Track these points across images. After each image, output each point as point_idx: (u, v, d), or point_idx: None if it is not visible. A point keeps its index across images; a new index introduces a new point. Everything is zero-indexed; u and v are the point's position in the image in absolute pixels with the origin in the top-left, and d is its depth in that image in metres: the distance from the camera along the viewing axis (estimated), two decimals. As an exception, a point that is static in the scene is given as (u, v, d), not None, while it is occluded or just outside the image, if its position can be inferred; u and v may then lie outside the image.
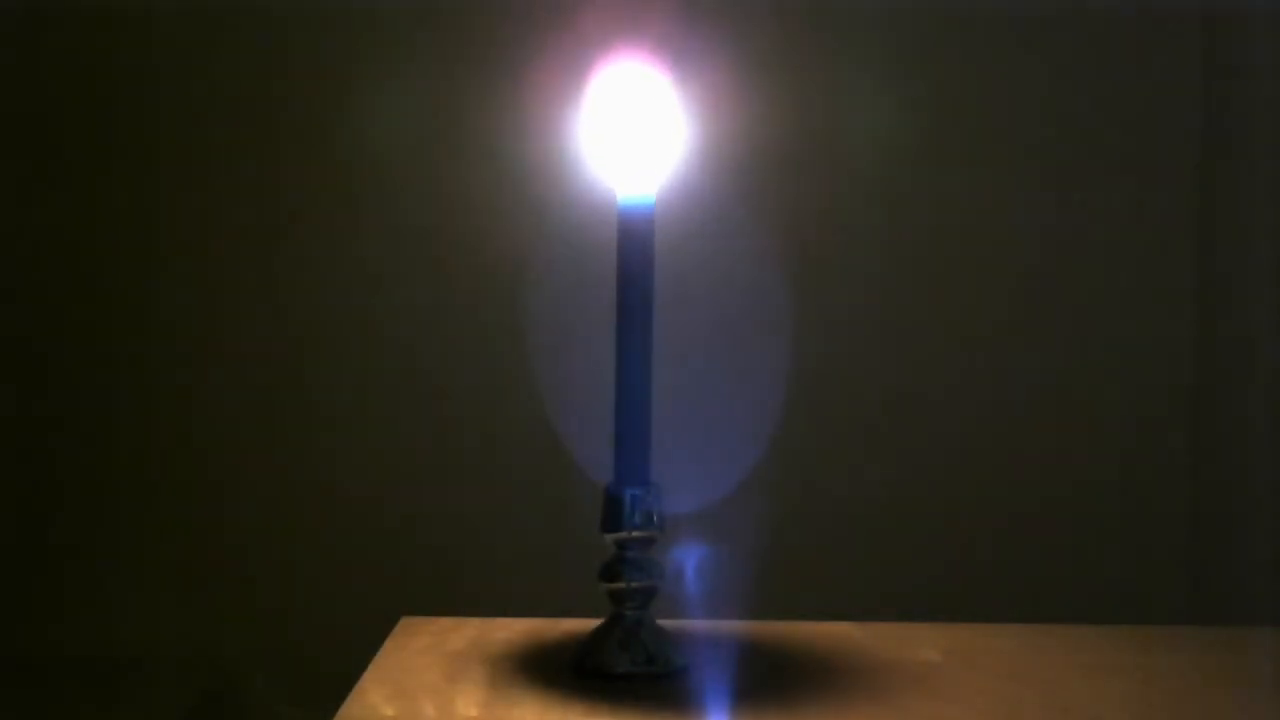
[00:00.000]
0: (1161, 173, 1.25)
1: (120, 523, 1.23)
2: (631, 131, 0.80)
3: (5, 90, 1.21)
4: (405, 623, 0.93)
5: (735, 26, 1.22)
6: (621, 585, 0.81)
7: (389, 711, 0.75)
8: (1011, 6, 1.23)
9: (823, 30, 1.23)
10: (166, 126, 1.22)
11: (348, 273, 1.23)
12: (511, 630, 0.91)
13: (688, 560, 1.07)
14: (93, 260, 1.22)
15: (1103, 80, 1.24)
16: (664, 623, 0.84)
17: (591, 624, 0.84)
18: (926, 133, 1.24)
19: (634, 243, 0.79)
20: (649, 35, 1.20)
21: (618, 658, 0.81)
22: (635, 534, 0.81)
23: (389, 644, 0.88)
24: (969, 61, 1.24)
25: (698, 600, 1.16)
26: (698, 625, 0.90)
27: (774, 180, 1.23)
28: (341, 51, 1.22)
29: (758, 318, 1.23)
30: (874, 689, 0.80)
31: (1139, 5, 1.24)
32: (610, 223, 0.80)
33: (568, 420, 1.20)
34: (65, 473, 1.23)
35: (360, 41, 1.22)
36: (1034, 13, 1.23)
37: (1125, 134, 1.25)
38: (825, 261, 1.24)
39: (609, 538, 0.81)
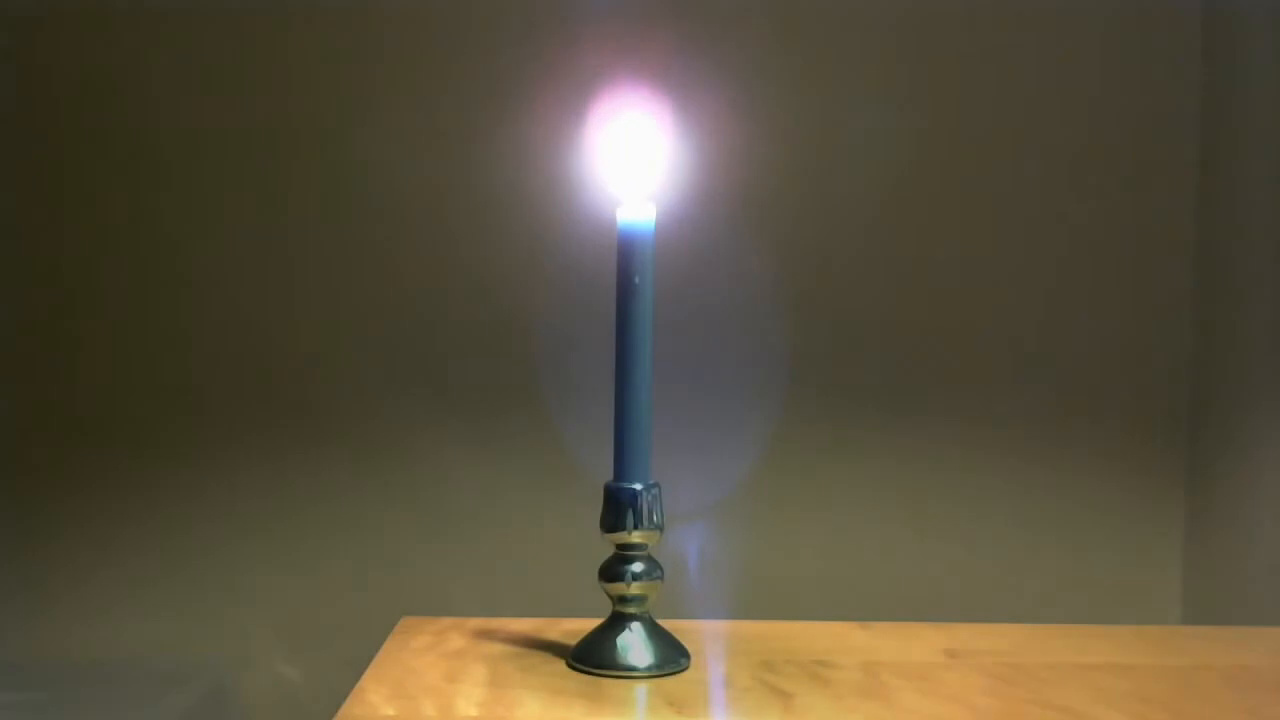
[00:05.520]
0: (1161, 173, 1.25)
1: (119, 523, 1.23)
2: (631, 154, 0.81)
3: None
4: (405, 623, 0.93)
5: (732, 49, 1.22)
6: (621, 585, 0.81)
7: (389, 711, 0.75)
8: (1010, 7, 1.23)
9: (818, 38, 1.23)
10: (169, 142, 1.22)
11: (349, 272, 1.23)
12: (511, 630, 0.91)
13: (690, 547, 1.07)
14: (92, 258, 1.22)
15: (1102, 80, 1.24)
16: (664, 623, 0.84)
17: (591, 624, 0.84)
18: (924, 137, 1.24)
19: (633, 260, 0.80)
20: (649, 60, 1.21)
21: (618, 658, 0.81)
22: (635, 534, 0.81)
23: (389, 644, 0.88)
24: (967, 64, 1.24)
25: (698, 594, 1.16)
26: (698, 625, 0.91)
27: (773, 188, 1.23)
28: (350, 76, 1.22)
29: (757, 319, 1.23)
30: (874, 689, 0.80)
31: (1139, 5, 1.24)
32: (613, 224, 0.80)
33: (569, 420, 1.20)
34: (63, 473, 1.23)
35: (367, 66, 1.22)
36: (1032, 13, 1.23)
37: (1125, 134, 1.25)
38: (824, 264, 1.24)
39: (609, 538, 0.82)
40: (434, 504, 1.23)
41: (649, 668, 0.81)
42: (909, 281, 1.24)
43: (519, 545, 1.23)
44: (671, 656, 0.82)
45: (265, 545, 1.23)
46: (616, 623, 0.82)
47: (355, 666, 0.84)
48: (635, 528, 0.80)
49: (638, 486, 0.80)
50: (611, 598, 0.82)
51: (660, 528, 0.81)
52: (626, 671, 0.81)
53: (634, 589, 0.81)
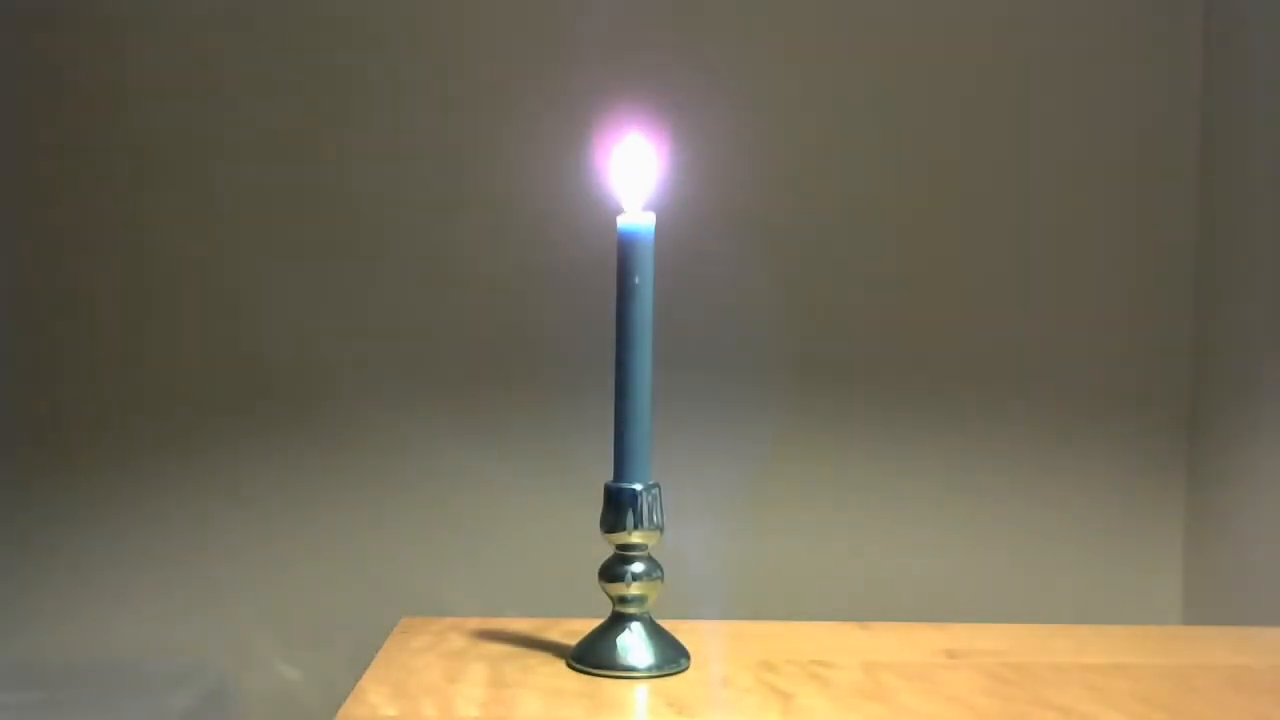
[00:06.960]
0: (1161, 173, 1.25)
1: (119, 523, 1.23)
2: (630, 159, 0.82)
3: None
4: (405, 623, 0.93)
5: (732, 51, 1.23)
6: (621, 585, 0.81)
7: (389, 711, 0.75)
8: (1009, 8, 1.23)
9: (817, 39, 1.23)
10: (169, 142, 1.22)
11: (349, 272, 1.23)
12: (511, 630, 0.91)
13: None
14: (92, 258, 1.22)
15: (1102, 80, 1.24)
16: (664, 623, 0.84)
17: (591, 624, 0.84)
18: (923, 139, 1.24)
19: (633, 262, 0.80)
20: (648, 63, 1.21)
21: (618, 658, 0.81)
22: (635, 534, 0.81)
23: (389, 644, 0.88)
24: (966, 65, 1.24)
25: (699, 597, 1.16)
26: (698, 625, 0.91)
27: (772, 190, 1.23)
28: (351, 79, 1.22)
29: (756, 320, 1.23)
30: (874, 689, 0.80)
31: (1139, 5, 1.24)
32: (614, 226, 0.80)
33: (569, 420, 1.20)
34: (63, 474, 1.23)
35: (369, 69, 1.22)
36: (1032, 14, 1.23)
37: (1125, 134, 1.25)
38: (823, 266, 1.24)
39: (609, 538, 0.81)
40: (434, 504, 1.23)
41: (649, 668, 0.81)
42: (908, 282, 1.24)
43: (519, 545, 1.23)
44: (671, 657, 0.82)
45: (265, 546, 1.23)
46: (616, 623, 0.82)
47: (355, 666, 0.84)
48: (635, 528, 0.80)
49: (638, 487, 0.80)
50: (611, 598, 0.82)
51: (660, 528, 0.81)
52: (626, 672, 0.81)
53: (634, 589, 0.81)
